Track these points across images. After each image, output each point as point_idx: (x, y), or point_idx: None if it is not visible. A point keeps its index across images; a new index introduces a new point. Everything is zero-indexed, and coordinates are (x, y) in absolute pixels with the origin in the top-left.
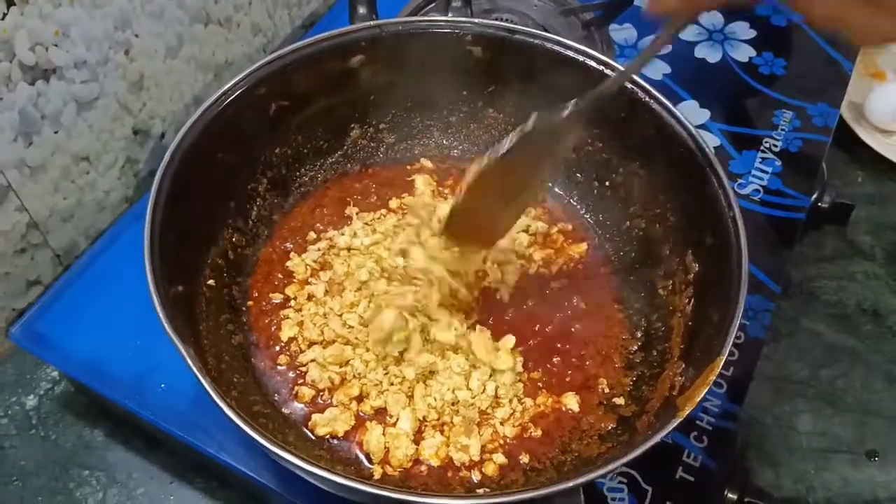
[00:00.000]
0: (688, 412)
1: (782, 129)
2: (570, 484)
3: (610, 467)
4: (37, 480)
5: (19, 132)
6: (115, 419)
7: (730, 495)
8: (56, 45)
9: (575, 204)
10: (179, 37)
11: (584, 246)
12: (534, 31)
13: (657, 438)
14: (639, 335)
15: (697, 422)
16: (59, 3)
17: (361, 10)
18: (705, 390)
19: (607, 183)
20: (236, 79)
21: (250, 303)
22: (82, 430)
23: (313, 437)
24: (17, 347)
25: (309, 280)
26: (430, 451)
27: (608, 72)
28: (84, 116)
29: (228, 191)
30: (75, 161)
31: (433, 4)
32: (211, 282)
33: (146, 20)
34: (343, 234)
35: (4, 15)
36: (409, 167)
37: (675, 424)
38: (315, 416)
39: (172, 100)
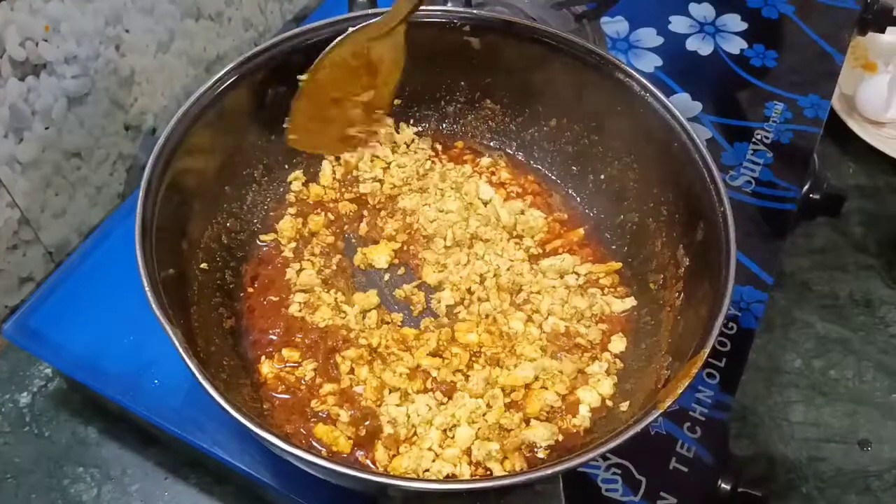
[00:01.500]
0: (668, 405)
1: (774, 121)
2: (549, 472)
3: (585, 457)
4: (31, 477)
5: (10, 128)
6: (109, 416)
7: (723, 485)
8: (46, 41)
9: (573, 195)
10: (171, 32)
11: (580, 232)
12: (532, 24)
13: (636, 430)
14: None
15: (690, 412)
16: None
17: None
18: (687, 383)
19: (602, 176)
20: (232, 64)
21: (250, 289)
22: (76, 426)
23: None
24: (10, 345)
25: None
26: (448, 464)
27: (603, 63)
28: (75, 112)
29: (223, 176)
30: (66, 157)
31: None
32: (204, 265)
33: (137, 15)
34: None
35: None
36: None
37: (654, 417)
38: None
39: (164, 95)
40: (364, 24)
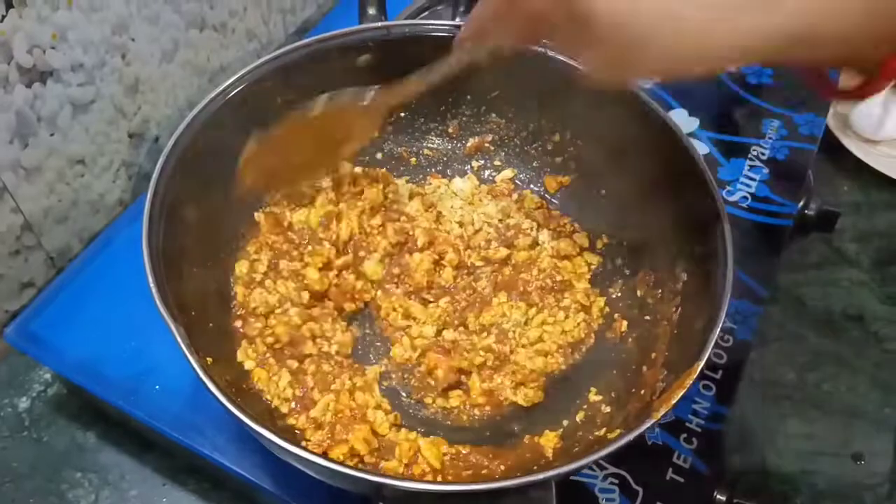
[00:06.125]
0: (661, 414)
1: (770, 138)
2: (541, 477)
3: (577, 464)
4: (29, 482)
5: (15, 134)
6: (108, 421)
7: (718, 496)
8: (53, 48)
9: (575, 210)
10: (175, 42)
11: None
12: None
13: (628, 439)
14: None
15: (687, 424)
16: (57, 6)
17: (371, 10)
18: (681, 394)
19: (603, 192)
20: (241, 72)
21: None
22: (75, 431)
23: None
24: (10, 350)
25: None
26: None
27: None
28: (80, 119)
29: (231, 178)
30: (70, 163)
31: (440, 7)
32: (211, 267)
33: (143, 25)
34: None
35: (3, 17)
36: None
37: (647, 426)
38: None
39: (167, 104)
40: (347, 96)
